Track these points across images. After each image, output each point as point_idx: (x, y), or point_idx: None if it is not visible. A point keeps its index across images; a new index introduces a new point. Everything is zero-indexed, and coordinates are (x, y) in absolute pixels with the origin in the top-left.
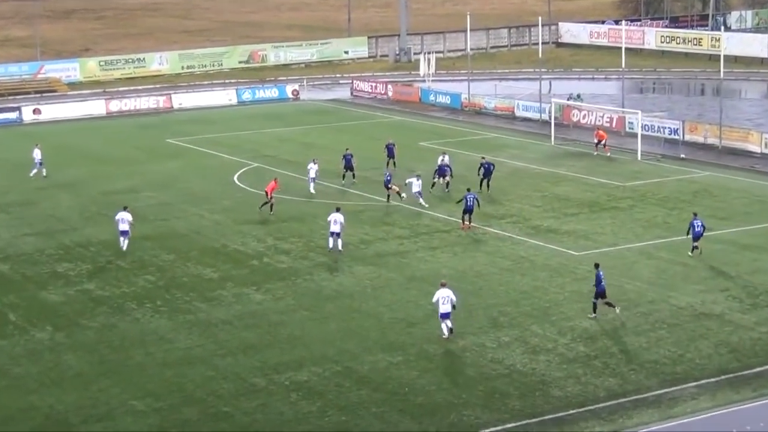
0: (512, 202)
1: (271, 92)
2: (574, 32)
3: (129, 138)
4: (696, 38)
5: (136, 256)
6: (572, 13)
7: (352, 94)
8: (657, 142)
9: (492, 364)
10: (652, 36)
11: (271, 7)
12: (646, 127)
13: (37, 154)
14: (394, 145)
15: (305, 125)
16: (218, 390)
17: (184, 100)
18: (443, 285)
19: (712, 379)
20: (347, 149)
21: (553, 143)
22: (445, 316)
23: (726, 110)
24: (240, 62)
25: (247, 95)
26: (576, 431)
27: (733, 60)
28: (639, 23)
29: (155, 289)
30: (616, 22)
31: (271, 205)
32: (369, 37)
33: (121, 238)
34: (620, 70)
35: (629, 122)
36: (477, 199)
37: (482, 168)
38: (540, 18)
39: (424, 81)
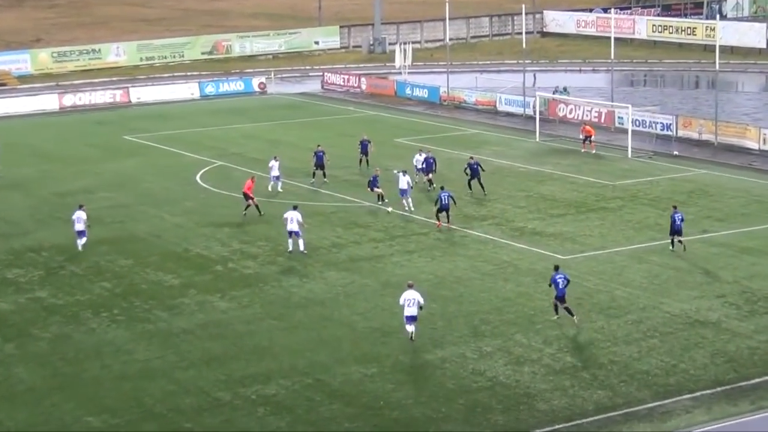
0: (494, 202)
1: (236, 86)
2: (560, 21)
3: (84, 135)
4: (690, 27)
5: (91, 261)
6: (558, 1)
7: (322, 87)
8: (648, 139)
9: (473, 376)
10: (643, 25)
11: None
12: (637, 123)
13: None
14: (369, 141)
15: (273, 121)
16: (180, 405)
17: (142, 94)
18: (410, 286)
19: (708, 391)
20: (318, 146)
21: (537, 140)
22: (411, 319)
23: (722, 104)
24: (203, 53)
25: (210, 89)
26: None
27: (730, 50)
28: (629, 11)
29: (112, 296)
30: (605, 11)
31: (257, 206)
32: (341, 27)
33: (78, 239)
34: (609, 61)
35: (619, 117)
36: (452, 197)
37: (468, 168)
38: (524, 6)
39: (400, 73)
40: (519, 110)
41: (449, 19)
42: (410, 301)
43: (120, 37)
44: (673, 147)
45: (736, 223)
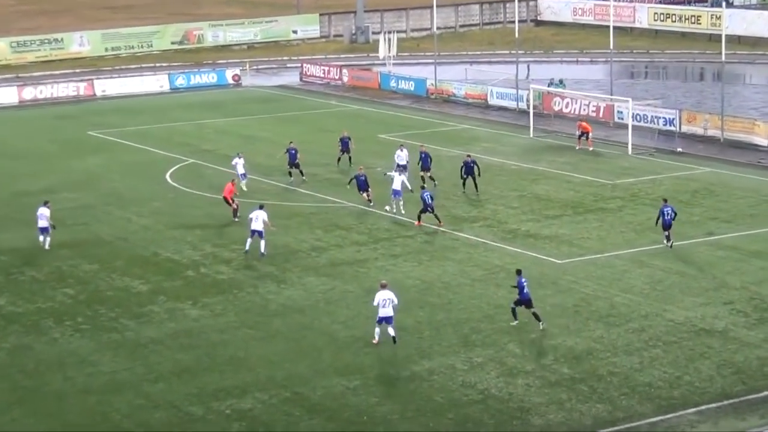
0: (486, 202)
1: (209, 77)
2: (555, 8)
3: (45, 130)
4: (694, 15)
5: (53, 266)
6: None
7: (301, 79)
8: (650, 134)
9: (463, 389)
10: (644, 13)
11: None
12: (638, 117)
13: None
14: (349, 138)
15: (248, 115)
16: (149, 420)
17: (108, 86)
18: (383, 286)
19: (714, 405)
20: (291, 142)
21: (531, 135)
22: (386, 320)
23: (728, 98)
24: (173, 43)
25: (180, 81)
26: None
27: (737, 40)
28: None
29: (75, 304)
30: None
31: (235, 210)
32: (321, 14)
33: (41, 236)
34: (608, 52)
35: (618, 111)
36: (431, 196)
37: (464, 167)
38: None
39: (384, 65)
40: (512, 104)
41: (437, 6)
42: (385, 301)
43: (84, 26)
44: (677, 143)
45: (743, 224)
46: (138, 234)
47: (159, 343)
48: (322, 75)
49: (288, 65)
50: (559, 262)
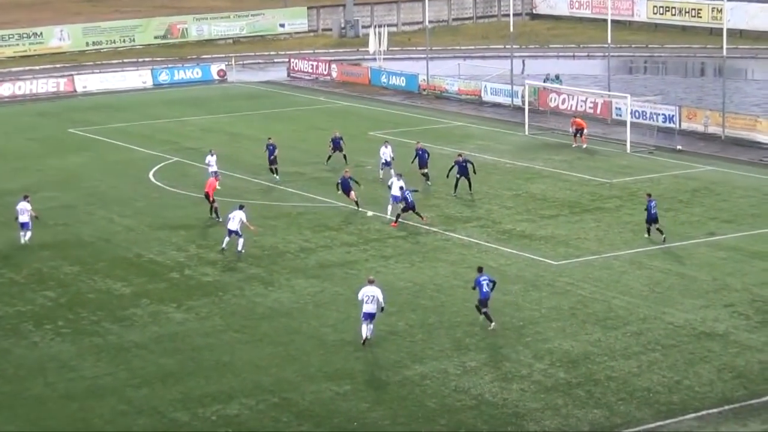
0: (479, 202)
1: (193, 73)
2: (551, 1)
3: (24, 128)
4: (694, 9)
5: (33, 268)
6: None
7: (289, 75)
8: (649, 132)
9: (456, 394)
10: (643, 6)
11: None
12: (637, 114)
13: None
14: (341, 138)
15: (233, 112)
16: (132, 426)
17: (89, 82)
18: (371, 282)
19: (715, 410)
20: (269, 138)
21: (526, 133)
22: (369, 317)
23: (730, 94)
24: (156, 37)
25: (164, 76)
26: None
27: (738, 34)
28: None
29: (56, 307)
30: None
31: (216, 209)
32: (309, 8)
33: (21, 232)
34: (606, 46)
35: (616, 108)
36: (411, 191)
37: (456, 166)
38: None
39: (374, 59)
40: (506, 100)
41: None
42: (369, 297)
43: (64, 20)
44: (676, 141)
45: (745, 224)
46: (120, 235)
47: (142, 348)
48: (311, 70)
49: (275, 60)
50: (555, 263)
